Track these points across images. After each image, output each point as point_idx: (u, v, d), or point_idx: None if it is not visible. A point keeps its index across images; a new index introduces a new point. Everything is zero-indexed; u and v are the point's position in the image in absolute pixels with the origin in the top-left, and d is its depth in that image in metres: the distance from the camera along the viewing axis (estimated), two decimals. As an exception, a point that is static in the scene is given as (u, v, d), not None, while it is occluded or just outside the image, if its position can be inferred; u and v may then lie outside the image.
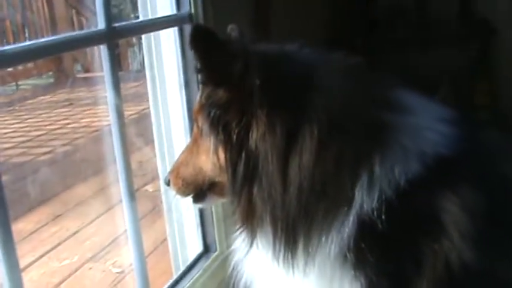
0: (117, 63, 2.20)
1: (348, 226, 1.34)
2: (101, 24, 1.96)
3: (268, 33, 2.75)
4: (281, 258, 1.40)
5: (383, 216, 1.32)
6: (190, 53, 2.38)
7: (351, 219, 1.34)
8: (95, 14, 2.06)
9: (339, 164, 1.34)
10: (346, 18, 4.32)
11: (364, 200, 1.33)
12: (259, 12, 2.63)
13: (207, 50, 1.36)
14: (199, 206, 1.65)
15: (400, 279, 1.35)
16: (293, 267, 1.40)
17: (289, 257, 1.39)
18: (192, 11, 2.36)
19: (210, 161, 1.46)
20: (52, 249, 3.76)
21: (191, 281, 2.37)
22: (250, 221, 1.42)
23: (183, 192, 1.60)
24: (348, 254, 1.35)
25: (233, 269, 1.59)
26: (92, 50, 6.20)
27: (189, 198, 1.63)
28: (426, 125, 1.40)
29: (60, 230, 4.00)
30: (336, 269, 1.37)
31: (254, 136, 1.36)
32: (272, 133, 1.34)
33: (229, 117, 1.38)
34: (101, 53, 1.98)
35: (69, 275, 3.47)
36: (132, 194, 2.09)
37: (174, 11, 2.39)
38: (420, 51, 4.37)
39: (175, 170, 1.60)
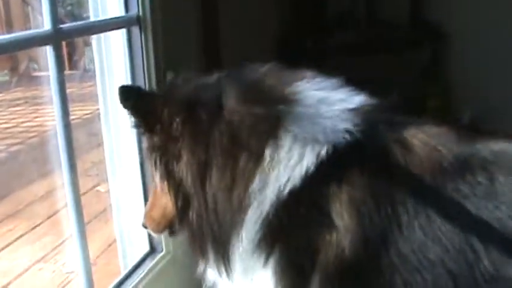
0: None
1: (251, 228, 1.47)
2: (47, 25, 1.96)
3: (216, 35, 2.78)
4: (216, 269, 1.58)
5: (279, 213, 1.43)
6: (138, 55, 2.41)
7: (252, 222, 1.47)
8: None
9: (234, 174, 1.48)
10: (296, 22, 4.36)
11: (260, 201, 1.45)
12: (206, 15, 2.66)
13: (136, 105, 1.61)
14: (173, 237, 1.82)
15: (300, 268, 1.45)
16: (226, 275, 1.56)
17: (220, 265, 1.56)
18: (140, 13, 2.37)
19: (168, 198, 1.63)
20: (2, 249, 3.72)
21: (136, 281, 2.38)
22: (194, 242, 1.61)
23: (159, 231, 1.80)
24: (255, 251, 1.48)
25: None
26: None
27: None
28: (324, 114, 1.46)
29: (11, 230, 3.96)
30: (250, 267, 1.51)
31: (183, 166, 1.55)
32: (193, 161, 1.53)
33: (166, 156, 1.58)
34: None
35: (19, 275, 3.44)
36: (77, 195, 2.09)
37: (123, 13, 2.40)
38: (371, 54, 4.42)
39: (148, 213, 1.77)
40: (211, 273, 1.65)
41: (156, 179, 1.65)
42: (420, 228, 1.35)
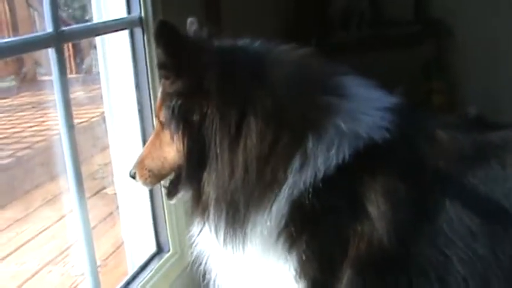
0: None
1: (280, 206, 1.46)
2: (48, 28, 1.97)
3: (219, 36, 2.77)
4: (223, 237, 1.52)
5: (312, 198, 1.43)
6: (141, 56, 2.42)
7: (284, 200, 1.45)
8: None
9: (274, 147, 1.46)
10: (300, 19, 4.37)
11: (296, 181, 1.45)
12: (209, 15, 2.66)
13: (170, 44, 1.49)
14: (172, 201, 1.75)
15: (327, 259, 1.46)
16: (234, 245, 1.51)
17: (230, 235, 1.51)
18: (142, 14, 2.39)
19: (174, 149, 1.58)
20: (11, 253, 3.74)
21: (143, 281, 2.39)
22: (199, 203, 1.55)
23: (149, 183, 1.71)
24: (280, 233, 1.47)
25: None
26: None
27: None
28: (364, 110, 1.50)
29: (20, 233, 3.97)
30: (270, 247, 1.49)
31: (210, 123, 1.49)
32: (225, 120, 1.48)
33: (189, 105, 1.51)
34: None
35: (28, 279, 3.46)
36: (82, 199, 2.09)
37: (125, 15, 2.41)
38: (375, 51, 4.41)
39: (141, 163, 1.70)
40: (204, 237, 1.61)
41: (161, 125, 1.60)
42: (448, 217, 1.42)
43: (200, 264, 1.67)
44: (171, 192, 1.70)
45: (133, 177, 1.71)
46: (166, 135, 1.60)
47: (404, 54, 4.56)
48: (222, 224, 1.51)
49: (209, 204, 1.53)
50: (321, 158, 1.44)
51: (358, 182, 1.44)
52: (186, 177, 1.58)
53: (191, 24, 1.66)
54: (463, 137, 1.49)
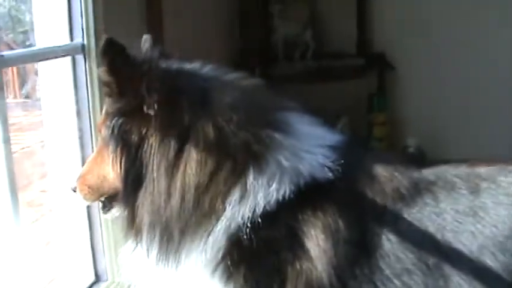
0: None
1: (217, 238, 1.43)
2: (-13, 53, 1.95)
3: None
4: (155, 261, 1.49)
5: (250, 233, 1.41)
6: (82, 83, 2.41)
7: (221, 232, 1.43)
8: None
9: (214, 176, 1.44)
10: (245, 48, 4.42)
11: (234, 214, 1.43)
12: (154, 43, 2.65)
13: (114, 62, 1.46)
14: (107, 216, 1.71)
15: None
16: (166, 270, 1.48)
17: (163, 261, 1.48)
18: (85, 41, 2.38)
19: (112, 168, 1.54)
20: None
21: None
22: (133, 225, 1.52)
23: (89, 199, 1.68)
24: (217, 266, 1.44)
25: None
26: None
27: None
28: (306, 148, 1.50)
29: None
30: (206, 278, 1.46)
31: (148, 146, 1.47)
32: (164, 144, 1.46)
33: (128, 126, 1.49)
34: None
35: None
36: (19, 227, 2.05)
37: (68, 41, 2.40)
38: (319, 83, 4.47)
39: (82, 178, 1.67)
40: (135, 255, 1.57)
41: (103, 142, 1.57)
42: (385, 254, 1.43)
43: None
44: (106, 206, 1.68)
45: (74, 191, 1.69)
46: (107, 152, 1.57)
47: (347, 87, 4.65)
48: (155, 249, 1.49)
49: (142, 228, 1.51)
50: (261, 193, 1.43)
51: (298, 218, 1.43)
52: (121, 198, 1.56)
53: (145, 42, 1.65)
54: (401, 174, 1.51)
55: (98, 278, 2.56)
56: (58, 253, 2.63)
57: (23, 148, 4.77)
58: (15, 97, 5.85)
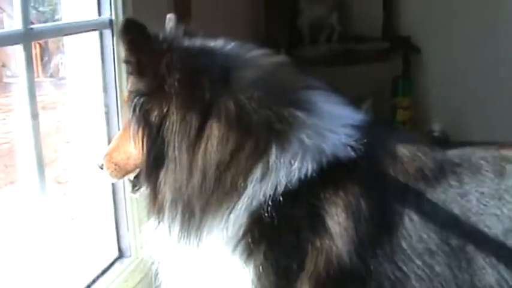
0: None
1: (238, 216, 1.44)
2: (18, 25, 1.96)
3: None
4: (177, 238, 1.50)
5: (272, 211, 1.41)
6: (109, 58, 2.41)
7: (242, 209, 1.44)
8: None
9: (236, 154, 1.44)
10: (270, 30, 4.40)
11: (255, 192, 1.43)
12: (180, 19, 2.65)
13: (135, 42, 1.47)
14: (136, 195, 1.73)
15: (284, 271, 1.44)
16: (188, 247, 1.50)
17: (184, 238, 1.49)
18: (113, 16, 2.38)
19: (134, 147, 1.56)
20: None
21: (103, 285, 2.37)
22: (155, 202, 1.54)
23: (115, 176, 1.70)
24: (238, 243, 1.45)
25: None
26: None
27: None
28: (330, 127, 1.49)
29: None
30: (227, 255, 1.47)
31: (169, 124, 1.47)
32: (185, 123, 1.46)
33: (150, 105, 1.49)
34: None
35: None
36: (45, 202, 2.07)
37: (96, 17, 2.41)
38: (343, 66, 4.46)
39: (108, 155, 1.69)
40: (158, 232, 1.59)
41: (128, 123, 1.58)
42: (407, 234, 1.43)
43: (156, 267, 1.65)
44: (135, 186, 1.69)
45: (101, 168, 1.71)
46: (135, 134, 1.58)
47: (372, 70, 4.62)
48: (177, 226, 1.50)
49: (164, 205, 1.52)
50: (283, 171, 1.43)
51: (320, 197, 1.43)
52: (144, 176, 1.57)
53: (169, 21, 1.66)
54: (424, 155, 1.51)
55: (121, 254, 2.58)
56: (82, 229, 2.65)
57: (46, 127, 4.81)
58: (38, 76, 5.90)
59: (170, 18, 1.67)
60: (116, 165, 1.67)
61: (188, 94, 1.47)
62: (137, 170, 1.65)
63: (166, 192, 1.50)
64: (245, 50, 1.59)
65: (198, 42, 1.59)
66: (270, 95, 1.49)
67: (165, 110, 1.48)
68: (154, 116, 1.49)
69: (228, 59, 1.55)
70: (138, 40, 1.47)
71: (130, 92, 1.56)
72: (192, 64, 1.50)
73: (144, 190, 1.64)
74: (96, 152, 2.41)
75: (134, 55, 1.49)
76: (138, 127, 1.52)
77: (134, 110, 1.52)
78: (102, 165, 1.69)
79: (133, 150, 1.59)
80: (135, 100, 1.51)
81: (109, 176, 1.70)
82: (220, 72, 1.50)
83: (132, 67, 1.52)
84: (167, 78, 1.47)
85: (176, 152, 1.47)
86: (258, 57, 1.58)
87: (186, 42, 1.57)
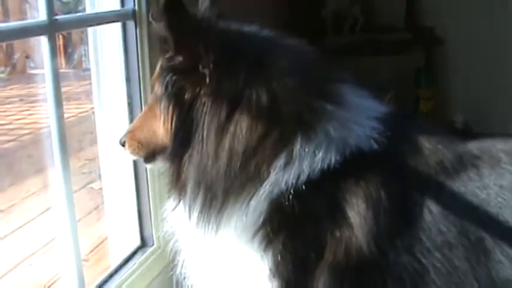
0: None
1: (259, 203, 1.46)
2: (42, 16, 1.97)
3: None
4: (196, 220, 1.51)
5: (293, 199, 1.43)
6: (133, 49, 2.41)
7: (263, 196, 1.45)
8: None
9: (263, 141, 1.46)
10: (294, 20, 4.38)
11: (278, 180, 1.44)
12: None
13: (174, 19, 1.46)
14: (149, 166, 1.77)
15: (303, 260, 1.45)
16: (206, 230, 1.51)
17: (204, 220, 1.50)
18: (136, 7, 2.38)
19: (162, 124, 1.57)
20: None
21: (125, 274, 2.38)
22: (178, 181, 1.55)
23: (137, 154, 1.72)
24: (257, 231, 1.47)
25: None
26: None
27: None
28: (356, 119, 1.51)
29: (3, 225, 3.94)
30: (245, 242, 1.48)
31: (200, 105, 1.48)
32: (216, 105, 1.47)
33: (183, 83, 1.50)
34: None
35: (9, 271, 3.43)
36: (69, 192, 2.08)
37: (118, 7, 2.41)
38: (367, 57, 4.44)
39: (131, 133, 1.71)
40: (176, 213, 1.60)
41: (155, 97, 1.58)
42: (426, 226, 1.44)
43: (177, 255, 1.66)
44: (149, 158, 1.70)
45: (122, 145, 1.72)
46: (159, 108, 1.59)
47: (395, 61, 4.60)
48: (197, 207, 1.51)
49: (187, 184, 1.52)
50: (307, 161, 1.44)
51: (341, 187, 1.45)
52: (169, 154, 1.58)
53: (203, 1, 1.65)
54: (445, 147, 1.52)
55: (143, 243, 2.59)
56: (105, 218, 2.67)
57: (69, 117, 4.85)
58: (61, 67, 5.94)
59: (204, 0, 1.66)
60: (138, 142, 1.68)
61: (222, 77, 1.48)
62: (158, 148, 1.65)
63: (190, 172, 1.51)
64: (279, 38, 1.60)
65: (233, 25, 1.60)
66: (302, 85, 1.51)
67: (197, 90, 1.49)
68: (186, 95, 1.50)
69: (262, 45, 1.57)
70: (177, 17, 1.46)
71: (162, 69, 1.56)
72: (228, 47, 1.51)
73: (160, 164, 1.67)
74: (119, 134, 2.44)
75: (173, 32, 1.48)
76: (169, 105, 1.52)
77: (166, 87, 1.52)
78: (124, 142, 1.71)
79: (157, 128, 1.60)
80: (168, 77, 1.52)
81: (130, 154, 1.72)
82: (255, 58, 1.51)
83: (169, 44, 1.51)
84: (203, 59, 1.47)
85: (204, 133, 1.48)
86: (291, 46, 1.60)
87: (222, 25, 1.57)
